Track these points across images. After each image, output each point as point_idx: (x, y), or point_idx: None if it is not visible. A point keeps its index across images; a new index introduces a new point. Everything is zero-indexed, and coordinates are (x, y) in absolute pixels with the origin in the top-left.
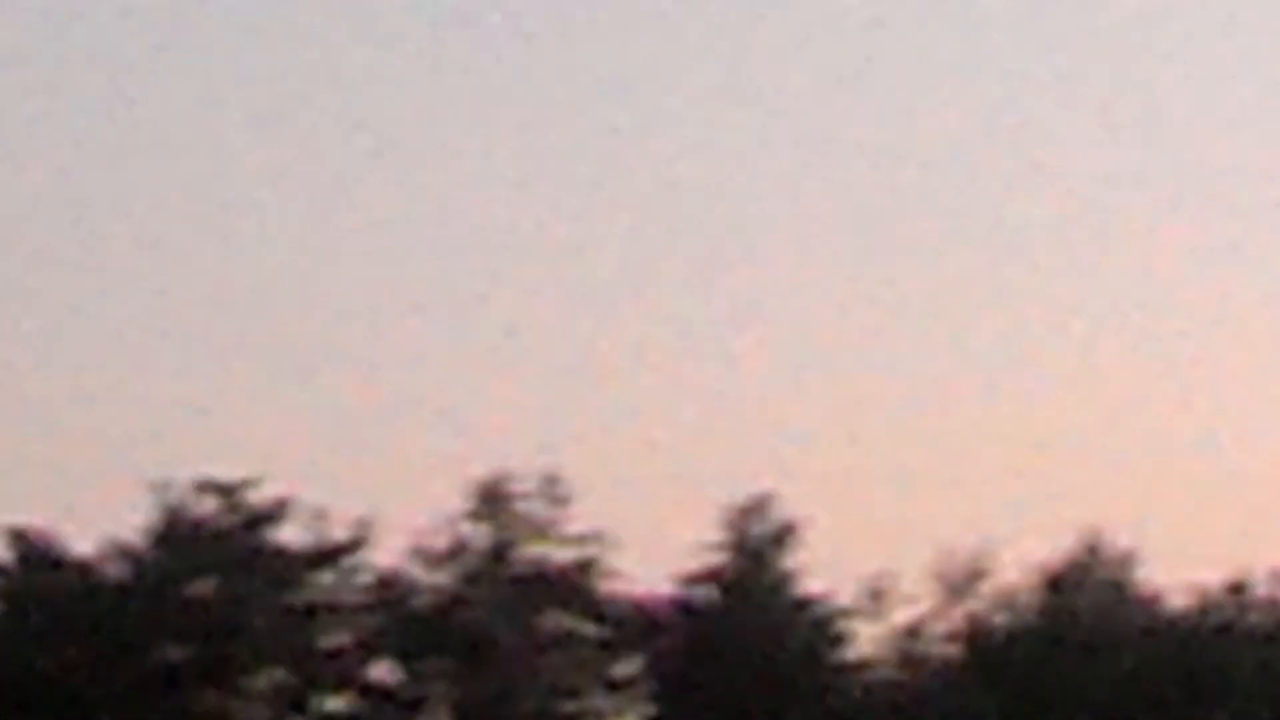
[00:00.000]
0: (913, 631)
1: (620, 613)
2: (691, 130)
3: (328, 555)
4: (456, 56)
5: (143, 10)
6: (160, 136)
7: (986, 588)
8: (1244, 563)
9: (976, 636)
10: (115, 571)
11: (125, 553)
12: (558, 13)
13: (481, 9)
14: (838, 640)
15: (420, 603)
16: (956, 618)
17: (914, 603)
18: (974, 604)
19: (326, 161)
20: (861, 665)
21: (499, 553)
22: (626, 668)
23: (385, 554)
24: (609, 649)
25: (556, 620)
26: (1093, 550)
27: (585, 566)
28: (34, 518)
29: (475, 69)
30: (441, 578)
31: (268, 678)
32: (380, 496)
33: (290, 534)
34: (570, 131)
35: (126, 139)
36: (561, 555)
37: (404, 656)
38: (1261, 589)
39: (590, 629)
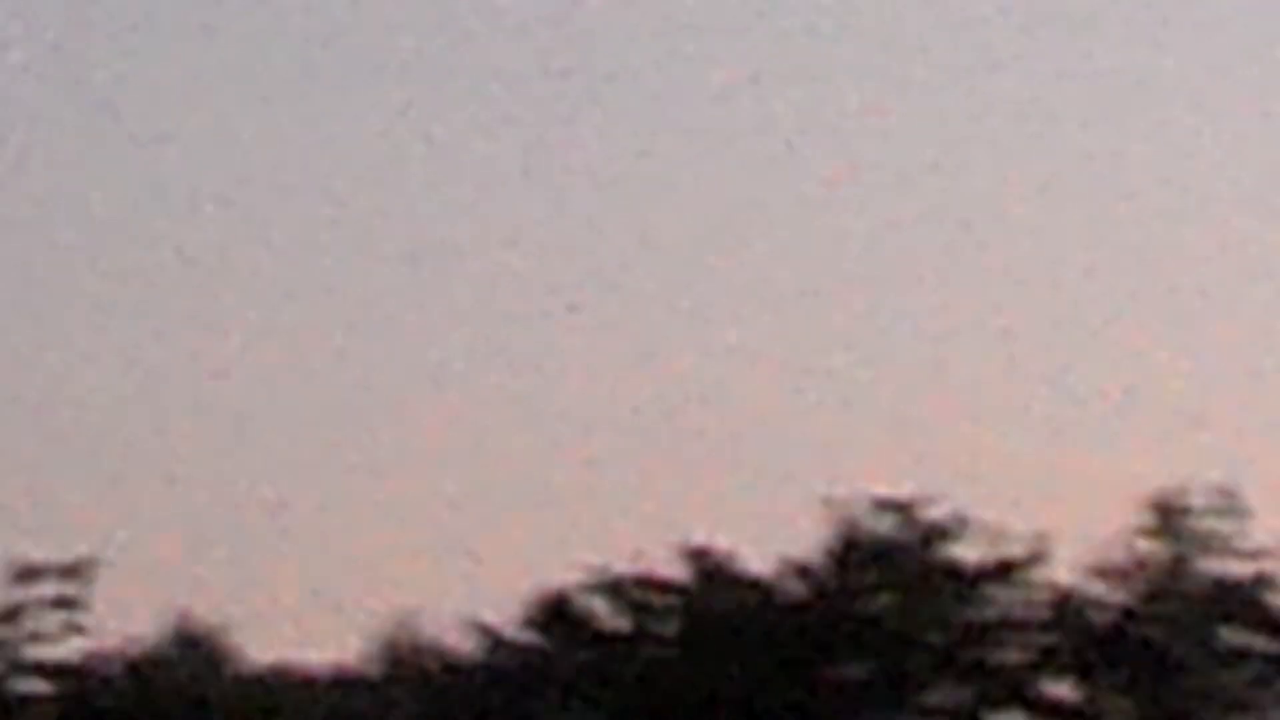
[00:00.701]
0: None
1: None
2: None
3: (1004, 571)
4: None
5: None
6: None
7: None
8: None
9: None
10: (792, 589)
11: (802, 571)
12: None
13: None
14: None
15: (1098, 619)
16: None
17: None
18: None
19: None
20: None
21: (1176, 568)
22: None
23: (1062, 570)
24: None
25: (1234, 635)
26: None
27: (1263, 581)
28: (713, 537)
29: None
30: (1119, 594)
31: (944, 694)
32: (1057, 512)
33: (966, 551)
34: None
35: None
36: (1239, 570)
37: (1081, 673)
38: None
39: (1268, 644)
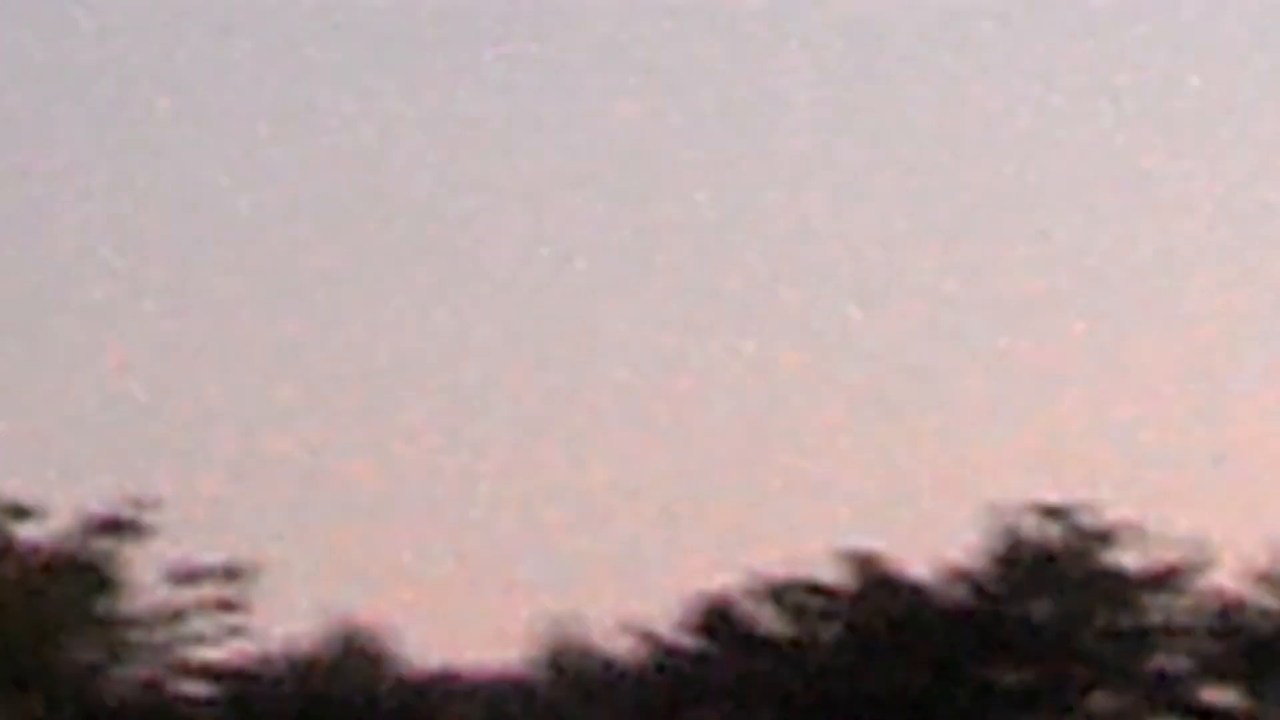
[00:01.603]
0: None
1: None
2: None
3: (1166, 578)
4: None
5: None
6: None
7: None
8: None
9: None
10: (953, 595)
11: (963, 576)
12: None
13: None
14: None
15: (1261, 626)
16: None
17: None
18: None
19: None
20: None
21: None
22: None
23: (1224, 577)
24: None
25: None
26: None
27: None
28: (872, 542)
29: None
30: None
31: (1105, 701)
32: (1220, 519)
33: (1129, 557)
34: None
35: None
36: None
37: (1244, 680)
38: None
39: None
